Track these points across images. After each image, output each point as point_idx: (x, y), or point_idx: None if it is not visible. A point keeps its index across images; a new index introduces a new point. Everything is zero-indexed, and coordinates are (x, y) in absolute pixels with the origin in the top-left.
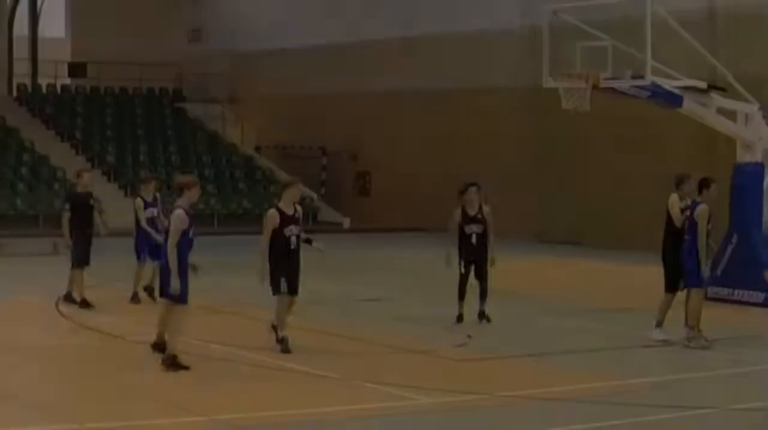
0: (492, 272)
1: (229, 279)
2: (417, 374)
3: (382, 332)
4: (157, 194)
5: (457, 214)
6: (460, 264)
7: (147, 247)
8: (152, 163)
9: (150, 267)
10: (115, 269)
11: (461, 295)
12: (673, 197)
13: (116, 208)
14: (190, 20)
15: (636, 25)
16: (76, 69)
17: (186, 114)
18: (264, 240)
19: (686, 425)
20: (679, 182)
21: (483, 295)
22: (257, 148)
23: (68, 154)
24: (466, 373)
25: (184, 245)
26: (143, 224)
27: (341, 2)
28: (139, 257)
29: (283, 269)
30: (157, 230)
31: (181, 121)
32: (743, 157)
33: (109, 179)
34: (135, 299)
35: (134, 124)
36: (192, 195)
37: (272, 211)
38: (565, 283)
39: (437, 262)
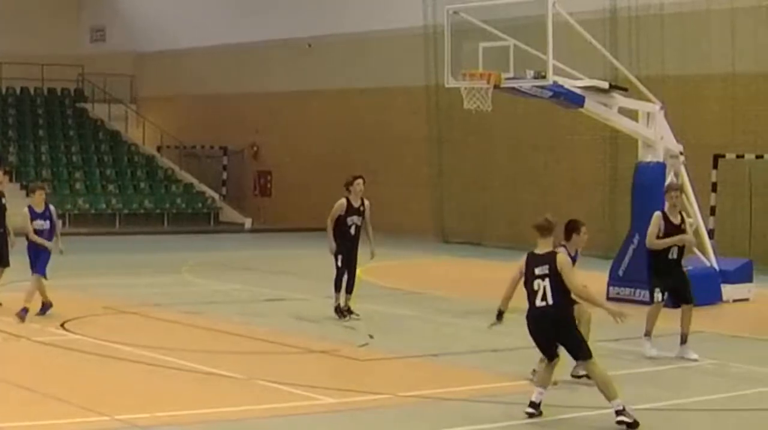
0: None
1: (131, 279)
2: (320, 373)
3: (284, 332)
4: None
5: (341, 205)
6: (338, 258)
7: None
8: (54, 164)
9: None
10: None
11: (338, 287)
12: (657, 215)
13: (18, 208)
14: (92, 20)
15: (538, 26)
16: None
17: (88, 114)
18: None
19: (584, 424)
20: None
21: (351, 288)
22: (159, 148)
23: None
24: (369, 373)
25: None
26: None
27: (243, 3)
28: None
29: None
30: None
31: (83, 121)
32: (645, 156)
33: (11, 179)
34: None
35: (36, 124)
36: None
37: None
38: (466, 283)
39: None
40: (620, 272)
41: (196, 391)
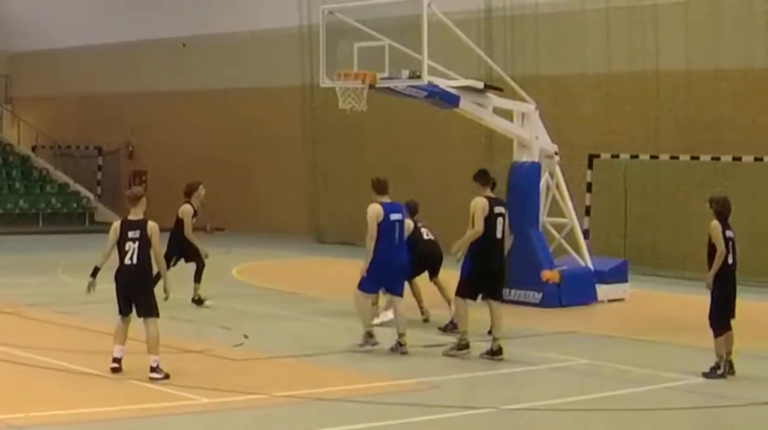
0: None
1: (5, 279)
2: (194, 373)
3: (159, 332)
4: None
5: (188, 210)
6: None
7: None
8: None
9: None
10: None
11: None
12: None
13: None
14: None
15: (413, 26)
16: None
17: None
18: None
19: (459, 425)
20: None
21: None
22: (34, 148)
23: None
24: (243, 373)
25: None
26: None
27: (118, 3)
28: None
29: None
30: None
31: None
32: (520, 156)
33: None
34: None
35: None
36: None
37: None
38: (340, 283)
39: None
40: None
41: (71, 391)
